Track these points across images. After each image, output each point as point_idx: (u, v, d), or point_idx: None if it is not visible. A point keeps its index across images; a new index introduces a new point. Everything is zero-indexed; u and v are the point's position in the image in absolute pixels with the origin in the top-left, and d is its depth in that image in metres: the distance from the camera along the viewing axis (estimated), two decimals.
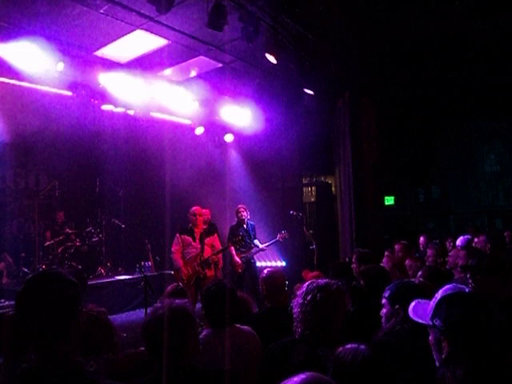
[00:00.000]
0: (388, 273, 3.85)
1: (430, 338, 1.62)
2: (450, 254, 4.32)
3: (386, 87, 7.95)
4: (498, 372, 1.40)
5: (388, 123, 8.82)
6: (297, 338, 2.16)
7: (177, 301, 1.72)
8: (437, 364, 1.59)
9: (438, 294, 1.65)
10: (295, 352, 2.10)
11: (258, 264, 7.30)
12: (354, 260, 4.07)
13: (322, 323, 2.07)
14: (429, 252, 4.77)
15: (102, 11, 5.23)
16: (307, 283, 2.22)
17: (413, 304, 1.76)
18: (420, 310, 1.71)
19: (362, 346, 1.63)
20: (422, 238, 6.21)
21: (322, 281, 2.19)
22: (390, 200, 9.46)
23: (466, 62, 7.04)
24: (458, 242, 5.23)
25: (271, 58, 5.89)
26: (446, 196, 10.24)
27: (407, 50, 6.78)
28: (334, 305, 2.09)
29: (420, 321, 1.66)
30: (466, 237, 5.38)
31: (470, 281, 2.67)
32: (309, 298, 2.10)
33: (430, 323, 1.58)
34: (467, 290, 1.73)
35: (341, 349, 1.66)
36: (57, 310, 1.39)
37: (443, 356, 1.52)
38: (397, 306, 2.37)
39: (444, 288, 1.68)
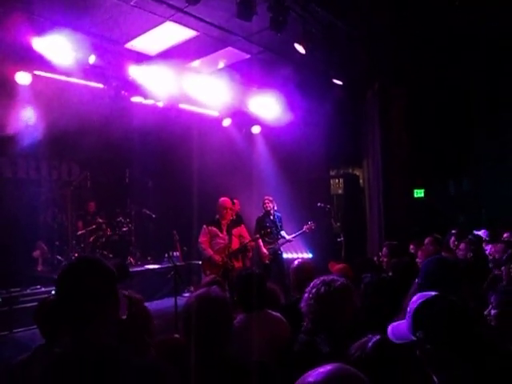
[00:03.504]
0: (417, 266, 3.79)
1: (418, 352, 1.55)
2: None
3: (417, 77, 7.74)
4: (499, 366, 1.39)
5: (419, 114, 8.60)
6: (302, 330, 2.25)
7: (216, 289, 1.75)
8: (435, 379, 1.53)
9: (410, 307, 1.60)
10: (297, 341, 2.19)
11: (285, 255, 7.31)
12: (384, 253, 4.02)
13: (324, 316, 2.11)
14: (461, 246, 4.65)
15: (132, 3, 5.28)
16: (315, 280, 2.26)
17: (390, 328, 1.69)
18: (398, 331, 1.64)
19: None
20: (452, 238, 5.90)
21: (328, 277, 2.25)
22: (419, 193, 9.24)
23: (504, 49, 6.76)
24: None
25: (300, 48, 5.83)
26: (477, 189, 9.94)
27: (439, 37, 6.57)
28: (338, 299, 2.12)
29: (402, 341, 1.59)
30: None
31: None
32: (313, 291, 2.16)
33: (414, 338, 1.53)
34: (433, 294, 1.65)
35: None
36: (92, 295, 1.43)
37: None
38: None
39: (412, 300, 1.63)
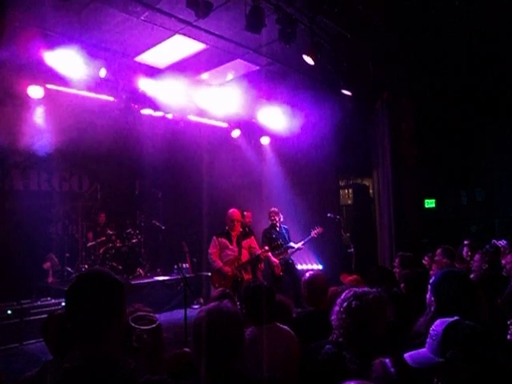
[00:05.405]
0: (429, 276, 3.72)
1: (437, 380, 1.49)
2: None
3: (426, 86, 7.70)
4: None
5: (429, 123, 8.54)
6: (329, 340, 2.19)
7: (227, 304, 1.72)
8: None
9: (434, 331, 1.53)
10: (323, 351, 2.13)
11: None
12: (396, 264, 3.96)
13: (356, 331, 2.05)
14: (475, 257, 4.56)
15: (142, 18, 5.36)
16: (346, 291, 2.20)
17: (407, 355, 1.60)
18: (418, 357, 1.56)
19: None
20: (465, 249, 5.75)
21: (359, 289, 2.18)
22: (430, 203, 9.14)
23: (507, 56, 6.70)
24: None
25: (308, 60, 5.84)
26: (490, 198, 9.80)
27: (447, 46, 6.54)
28: (370, 313, 2.06)
29: (425, 365, 1.51)
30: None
31: None
32: (345, 305, 2.11)
33: (441, 359, 1.46)
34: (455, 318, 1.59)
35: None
36: (102, 309, 1.42)
37: None
38: (432, 298, 2.29)
39: (436, 324, 1.56)
